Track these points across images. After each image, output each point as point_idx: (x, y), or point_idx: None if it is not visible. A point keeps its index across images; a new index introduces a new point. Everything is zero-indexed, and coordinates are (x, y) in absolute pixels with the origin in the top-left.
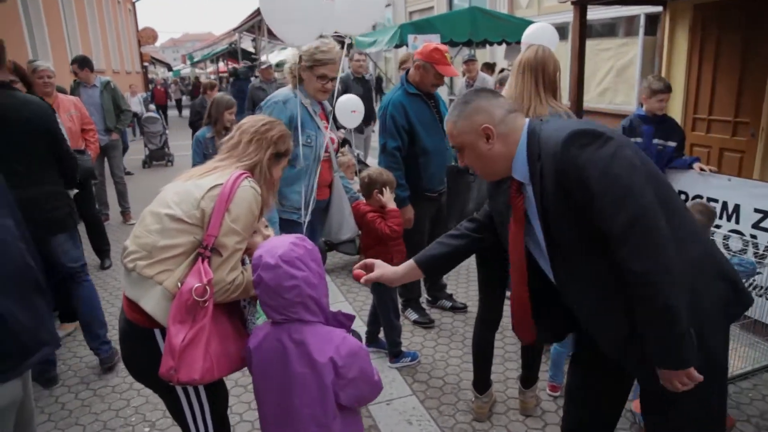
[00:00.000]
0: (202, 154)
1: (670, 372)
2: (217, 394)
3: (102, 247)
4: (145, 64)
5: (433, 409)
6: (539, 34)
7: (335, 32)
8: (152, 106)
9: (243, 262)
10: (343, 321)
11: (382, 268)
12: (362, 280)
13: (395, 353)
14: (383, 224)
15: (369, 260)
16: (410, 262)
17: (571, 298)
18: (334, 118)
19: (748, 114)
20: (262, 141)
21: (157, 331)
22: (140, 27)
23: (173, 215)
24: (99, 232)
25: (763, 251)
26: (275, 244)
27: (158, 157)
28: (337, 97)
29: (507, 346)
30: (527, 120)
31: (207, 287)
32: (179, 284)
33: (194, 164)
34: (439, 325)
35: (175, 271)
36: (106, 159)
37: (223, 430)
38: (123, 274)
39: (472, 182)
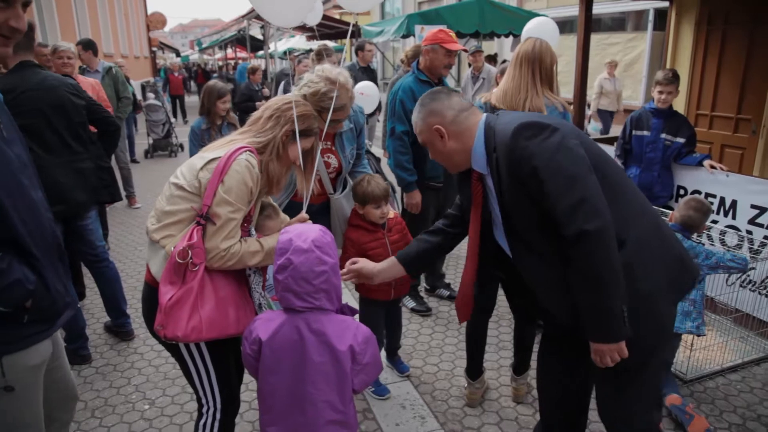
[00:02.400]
0: (198, 145)
1: (602, 346)
2: (225, 362)
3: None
4: (154, 49)
5: (426, 395)
6: (540, 29)
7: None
8: (150, 95)
9: (249, 233)
10: (347, 312)
11: (363, 262)
12: (342, 272)
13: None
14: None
15: (354, 257)
16: (392, 258)
17: (526, 274)
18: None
19: (751, 111)
20: (280, 118)
21: None
22: (149, 12)
23: (178, 183)
24: (101, 216)
25: (758, 246)
26: (305, 230)
27: (161, 147)
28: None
29: (502, 335)
30: (484, 115)
31: (189, 250)
32: (173, 248)
33: (191, 154)
34: (436, 313)
35: (176, 236)
36: None
37: (232, 403)
38: None
39: None
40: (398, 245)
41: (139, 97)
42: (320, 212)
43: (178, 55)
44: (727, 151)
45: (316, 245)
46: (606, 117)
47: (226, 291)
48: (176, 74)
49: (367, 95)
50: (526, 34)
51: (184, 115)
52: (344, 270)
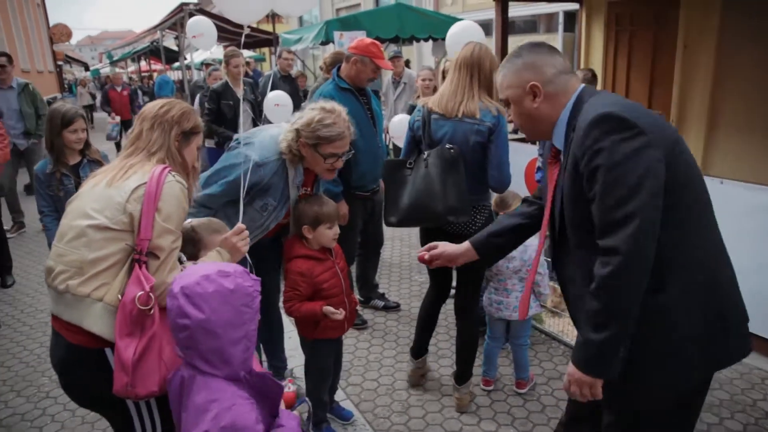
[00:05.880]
0: (47, 194)
1: (576, 372)
2: (168, 405)
3: (3, 263)
4: (60, 63)
5: (367, 412)
6: (465, 34)
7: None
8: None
9: (180, 261)
10: (270, 387)
11: (443, 245)
12: (426, 257)
13: (316, 423)
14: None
15: (432, 243)
16: (465, 243)
17: (561, 274)
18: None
19: (659, 106)
20: (163, 124)
21: (108, 351)
22: (52, 23)
23: (98, 225)
24: (1, 245)
25: None
26: (189, 272)
27: None
28: (263, 96)
29: (440, 343)
30: (582, 86)
31: (150, 294)
32: (120, 296)
33: (39, 207)
34: (372, 325)
35: (113, 284)
36: (24, 164)
37: None
38: (52, 296)
39: (408, 176)
40: (344, 272)
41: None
42: (272, 245)
43: (87, 68)
44: None
45: (183, 292)
46: None
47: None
48: (119, 89)
49: (282, 105)
50: (449, 39)
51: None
52: (426, 255)
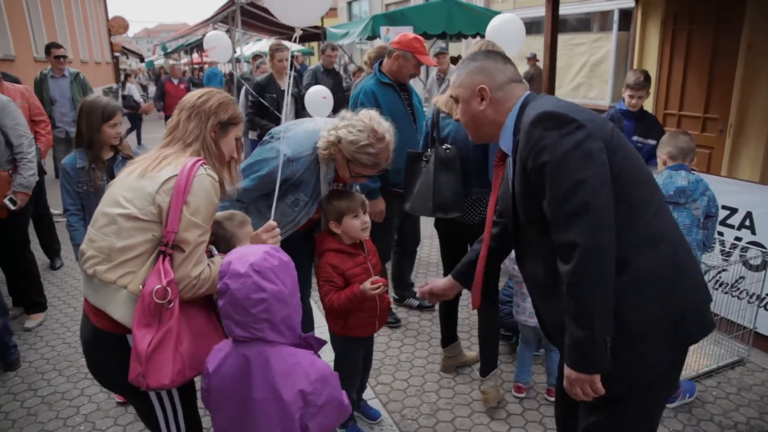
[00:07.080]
0: (74, 191)
1: (573, 373)
2: (191, 394)
3: (51, 246)
4: (116, 54)
5: (395, 413)
6: (505, 27)
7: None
8: None
9: (211, 254)
10: (314, 345)
11: (433, 282)
12: (418, 294)
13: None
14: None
15: (429, 282)
16: (448, 277)
17: (524, 273)
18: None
19: (717, 110)
20: (200, 114)
21: (129, 337)
22: (110, 16)
23: (128, 214)
24: (48, 230)
25: (729, 248)
26: (247, 252)
27: None
28: (306, 89)
29: (473, 346)
30: (526, 93)
31: (168, 288)
32: (141, 286)
33: (65, 205)
34: (405, 324)
35: (138, 273)
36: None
37: (195, 427)
38: (83, 280)
39: (423, 167)
40: (377, 269)
41: None
42: (304, 240)
43: (142, 60)
44: (695, 151)
45: (254, 269)
46: None
47: (198, 321)
48: (176, 82)
49: (328, 98)
50: (489, 32)
51: None
52: (426, 296)
